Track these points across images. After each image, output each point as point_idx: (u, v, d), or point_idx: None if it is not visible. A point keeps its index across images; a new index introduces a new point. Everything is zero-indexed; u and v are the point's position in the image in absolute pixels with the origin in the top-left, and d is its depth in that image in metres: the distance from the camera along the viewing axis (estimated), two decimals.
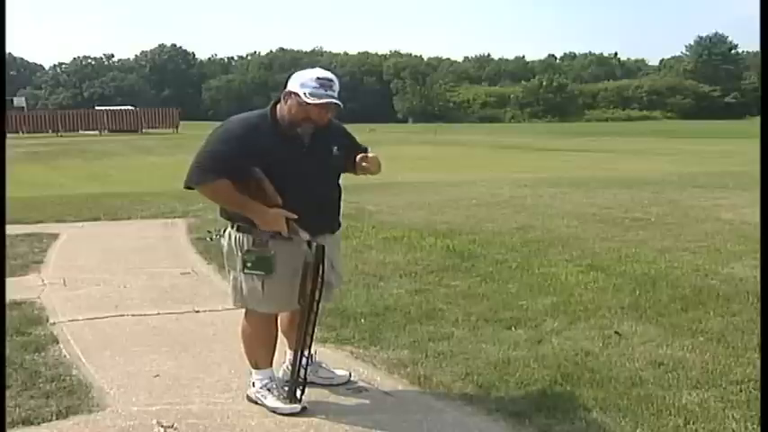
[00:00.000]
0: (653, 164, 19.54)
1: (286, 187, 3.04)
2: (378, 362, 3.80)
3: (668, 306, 4.68)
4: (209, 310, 4.78)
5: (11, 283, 5.13)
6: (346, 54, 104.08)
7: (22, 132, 41.69)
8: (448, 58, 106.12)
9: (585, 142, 33.77)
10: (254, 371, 3.31)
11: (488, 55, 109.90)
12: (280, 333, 3.35)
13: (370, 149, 3.30)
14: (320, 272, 3.10)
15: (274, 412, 3.17)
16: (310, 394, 3.28)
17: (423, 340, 4.09)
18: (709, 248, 6.54)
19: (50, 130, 44.16)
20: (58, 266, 6.21)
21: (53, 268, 6.14)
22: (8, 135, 33.49)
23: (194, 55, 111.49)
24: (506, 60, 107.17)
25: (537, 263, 5.97)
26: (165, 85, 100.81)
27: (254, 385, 3.29)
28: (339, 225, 3.38)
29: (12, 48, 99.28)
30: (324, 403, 3.29)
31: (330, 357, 3.75)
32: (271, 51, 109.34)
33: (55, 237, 7.54)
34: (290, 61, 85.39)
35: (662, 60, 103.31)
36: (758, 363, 3.52)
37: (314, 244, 3.07)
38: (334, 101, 3.05)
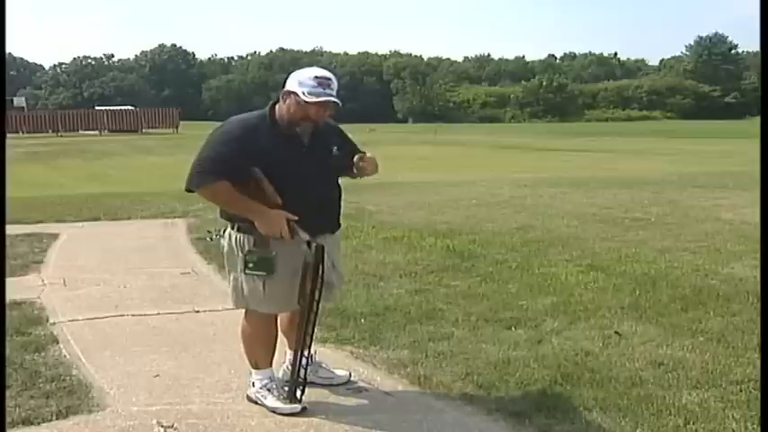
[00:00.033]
0: (653, 164, 19.54)
1: (286, 187, 3.04)
2: (378, 362, 3.80)
3: (668, 306, 4.68)
4: (209, 310, 4.78)
5: (11, 283, 5.13)
6: (346, 54, 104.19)
7: (22, 132, 41.67)
8: (448, 58, 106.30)
9: (585, 142, 33.76)
10: (253, 371, 3.31)
11: (488, 55, 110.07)
12: (280, 333, 3.35)
13: (368, 153, 3.29)
14: (320, 272, 3.10)
15: (274, 412, 3.17)
16: (310, 394, 3.28)
17: (423, 340, 4.09)
18: (709, 248, 6.54)
19: (50, 130, 44.14)
20: (58, 266, 6.21)
21: (53, 268, 6.14)
22: (8, 135, 33.47)
23: (194, 55, 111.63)
24: (506, 60, 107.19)
25: (537, 263, 5.97)
26: (165, 85, 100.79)
27: (254, 385, 3.29)
28: (339, 225, 3.38)
29: (12, 48, 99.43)
30: (324, 403, 3.29)
31: (330, 357, 3.75)
32: (271, 51, 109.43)
33: (55, 237, 7.55)
34: (290, 61, 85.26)
35: (662, 60, 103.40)
36: (758, 363, 3.52)
37: (313, 244, 3.07)
38: (333, 99, 3.05)
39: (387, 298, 4.98)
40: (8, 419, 3.02)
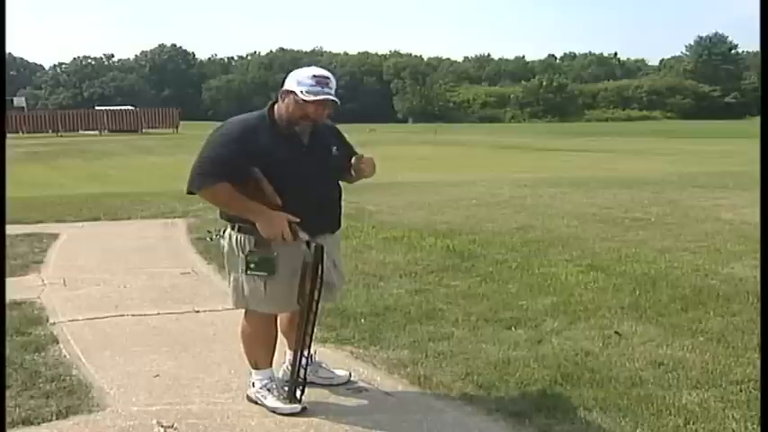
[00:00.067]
0: (653, 164, 19.54)
1: (285, 187, 3.04)
2: (378, 362, 3.80)
3: (668, 306, 4.68)
4: (209, 310, 4.78)
5: (11, 283, 5.14)
6: (346, 54, 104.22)
7: (22, 132, 41.67)
8: (448, 58, 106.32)
9: (585, 142, 33.75)
10: (253, 371, 3.31)
11: (488, 55, 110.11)
12: (279, 333, 3.35)
13: (365, 156, 3.29)
14: (319, 272, 3.10)
15: (274, 412, 3.17)
16: (310, 394, 3.29)
17: (423, 340, 4.09)
18: (709, 248, 6.54)
19: (50, 130, 44.14)
20: (58, 266, 6.21)
21: (53, 268, 6.14)
22: (8, 135, 33.49)
23: (194, 55, 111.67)
24: (506, 60, 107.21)
25: (537, 263, 5.97)
26: (165, 85, 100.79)
27: (254, 385, 3.29)
28: (340, 225, 3.38)
29: (12, 48, 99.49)
30: (324, 403, 3.29)
31: (330, 357, 3.75)
32: (271, 51, 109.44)
33: (55, 237, 7.55)
34: (290, 61, 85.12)
35: (662, 60, 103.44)
36: (758, 363, 3.52)
37: (313, 244, 3.07)
38: (331, 98, 3.05)
39: (387, 298, 4.98)
40: (8, 419, 3.02)
